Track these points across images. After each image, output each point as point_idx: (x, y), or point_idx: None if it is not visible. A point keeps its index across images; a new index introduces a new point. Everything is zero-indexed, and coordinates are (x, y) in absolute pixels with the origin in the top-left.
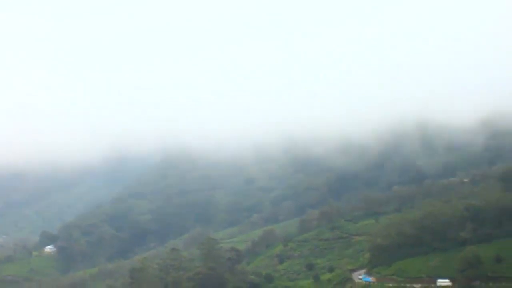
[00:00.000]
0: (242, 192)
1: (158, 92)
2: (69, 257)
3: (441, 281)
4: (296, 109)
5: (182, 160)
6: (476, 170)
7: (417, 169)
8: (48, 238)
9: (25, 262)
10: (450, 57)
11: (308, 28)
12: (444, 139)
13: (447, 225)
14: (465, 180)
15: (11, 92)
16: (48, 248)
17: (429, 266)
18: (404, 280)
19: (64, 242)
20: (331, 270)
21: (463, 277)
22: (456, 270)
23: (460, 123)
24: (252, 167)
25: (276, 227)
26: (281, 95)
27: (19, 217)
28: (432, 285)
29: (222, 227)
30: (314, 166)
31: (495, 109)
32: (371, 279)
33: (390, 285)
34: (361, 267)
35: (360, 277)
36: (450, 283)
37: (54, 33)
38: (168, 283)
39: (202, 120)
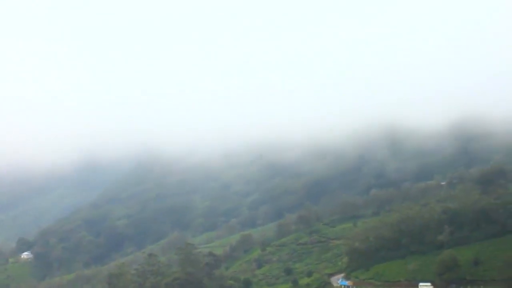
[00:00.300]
0: (219, 197)
1: (128, 98)
2: (46, 263)
3: (423, 285)
4: (268, 114)
5: (158, 165)
6: (453, 173)
7: (393, 172)
8: (25, 245)
9: (2, 269)
10: (418, 65)
11: (278, 32)
12: (415, 143)
13: (425, 228)
14: (442, 183)
15: None
16: (25, 255)
17: (407, 269)
18: (383, 284)
19: (41, 248)
20: (309, 274)
21: (442, 281)
22: (434, 274)
23: (430, 128)
24: (228, 171)
25: (254, 231)
26: (253, 101)
27: None
28: None
29: (200, 231)
30: (291, 170)
31: (463, 114)
32: (348, 283)
33: None
34: (339, 271)
35: (338, 281)
36: (431, 287)
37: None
38: None
39: (174, 125)
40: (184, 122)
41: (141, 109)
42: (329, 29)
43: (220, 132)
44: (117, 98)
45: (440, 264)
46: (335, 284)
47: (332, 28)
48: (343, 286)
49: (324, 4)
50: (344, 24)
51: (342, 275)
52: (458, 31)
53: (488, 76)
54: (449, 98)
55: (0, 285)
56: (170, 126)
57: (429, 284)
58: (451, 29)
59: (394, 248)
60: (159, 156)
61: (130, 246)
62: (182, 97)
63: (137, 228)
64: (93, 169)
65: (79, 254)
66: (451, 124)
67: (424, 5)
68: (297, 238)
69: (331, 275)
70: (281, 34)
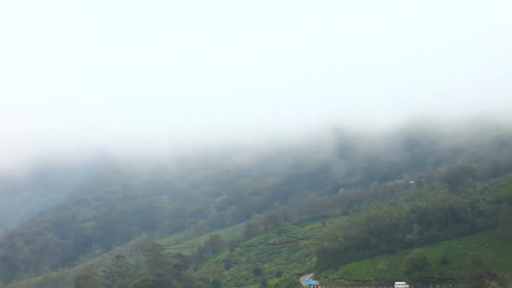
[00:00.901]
0: (187, 197)
1: (87, 98)
2: (13, 266)
3: (399, 284)
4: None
5: (125, 166)
6: (421, 172)
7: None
8: None
9: None
10: (364, 72)
11: (235, 34)
12: (365, 146)
13: (394, 227)
14: (411, 182)
15: None
16: None
17: (377, 269)
18: (352, 284)
19: (7, 251)
20: (278, 274)
21: (411, 279)
22: (404, 273)
23: (380, 131)
24: (197, 172)
25: (223, 232)
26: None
27: None
28: None
29: (168, 233)
30: (258, 171)
31: (410, 118)
32: (314, 282)
33: None
34: (308, 271)
35: (305, 280)
36: (407, 286)
37: None
38: None
39: (135, 126)
40: (144, 123)
41: (100, 110)
42: (283, 33)
43: (180, 134)
44: (75, 97)
45: (409, 263)
46: (304, 284)
47: (286, 32)
48: (310, 285)
49: (271, 9)
50: (296, 28)
51: (311, 275)
52: (404, 36)
53: (436, 79)
54: (398, 102)
55: None
56: (132, 126)
57: (403, 282)
58: (397, 34)
59: (363, 247)
60: (125, 157)
61: (98, 248)
62: (141, 98)
63: (104, 230)
64: (55, 171)
65: (46, 256)
66: (400, 127)
67: (369, 12)
68: (265, 238)
69: (300, 275)
70: (237, 36)
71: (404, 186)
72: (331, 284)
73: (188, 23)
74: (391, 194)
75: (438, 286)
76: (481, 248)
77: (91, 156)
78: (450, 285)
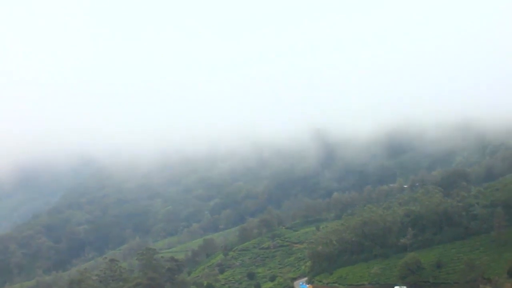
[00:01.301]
0: (180, 201)
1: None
2: (5, 270)
3: None
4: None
5: (118, 169)
6: (415, 176)
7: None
8: None
9: None
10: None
11: (214, 37)
12: (351, 152)
13: (388, 231)
14: (405, 186)
15: None
16: None
17: (371, 273)
18: None
19: (0, 255)
20: (272, 279)
21: (405, 284)
22: (397, 277)
23: (365, 137)
24: (190, 175)
25: (216, 236)
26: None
27: None
28: None
29: (161, 236)
30: (253, 174)
31: (392, 126)
32: (308, 286)
33: None
34: (303, 275)
35: (299, 284)
36: None
37: None
38: None
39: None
40: (134, 127)
41: (89, 113)
42: (266, 36)
43: (167, 138)
44: (65, 100)
45: (403, 267)
46: None
47: (270, 36)
48: None
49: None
50: (279, 33)
51: (305, 279)
52: (388, 42)
53: (420, 84)
54: (383, 106)
55: None
56: (122, 129)
57: (405, 287)
58: (381, 40)
59: (357, 251)
60: (117, 161)
61: (91, 252)
62: (128, 101)
63: (97, 234)
64: (46, 175)
65: (40, 260)
66: (386, 131)
67: (350, 17)
68: (259, 242)
69: (294, 279)
70: (220, 40)
71: (398, 190)
72: (324, 287)
73: (157, 33)
74: (385, 198)
75: None
76: (475, 252)
77: (83, 159)
78: None
